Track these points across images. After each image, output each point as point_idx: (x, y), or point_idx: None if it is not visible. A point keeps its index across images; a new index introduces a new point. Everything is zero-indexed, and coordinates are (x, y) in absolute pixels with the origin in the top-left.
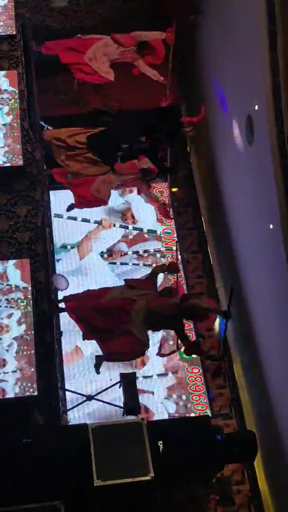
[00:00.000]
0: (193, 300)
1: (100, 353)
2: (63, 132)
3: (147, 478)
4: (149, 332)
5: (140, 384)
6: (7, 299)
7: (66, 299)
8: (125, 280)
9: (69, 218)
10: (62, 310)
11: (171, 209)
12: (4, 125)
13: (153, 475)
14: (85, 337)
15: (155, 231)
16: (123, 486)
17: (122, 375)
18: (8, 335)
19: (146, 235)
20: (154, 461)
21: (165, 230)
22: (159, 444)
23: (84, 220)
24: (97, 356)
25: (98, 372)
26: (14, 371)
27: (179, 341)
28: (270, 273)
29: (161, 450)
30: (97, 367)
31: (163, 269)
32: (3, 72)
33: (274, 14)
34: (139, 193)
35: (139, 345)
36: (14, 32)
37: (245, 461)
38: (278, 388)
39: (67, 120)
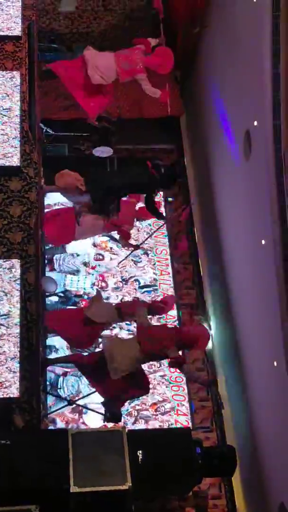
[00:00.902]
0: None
1: None
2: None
3: (124, 487)
4: None
5: None
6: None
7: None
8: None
9: None
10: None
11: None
12: (3, 124)
13: (130, 484)
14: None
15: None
16: (100, 494)
17: None
18: None
19: None
20: (132, 471)
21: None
22: (138, 453)
23: None
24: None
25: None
26: None
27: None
28: (259, 289)
29: (140, 460)
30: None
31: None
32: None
33: (278, 30)
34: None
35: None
36: (20, 34)
37: (223, 476)
38: (259, 404)
39: (67, 124)
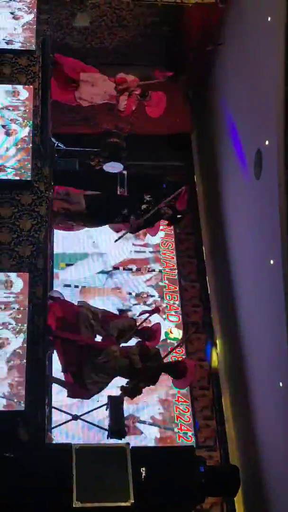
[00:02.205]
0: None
1: None
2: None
3: (127, 504)
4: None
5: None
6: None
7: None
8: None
9: None
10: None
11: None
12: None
13: (133, 501)
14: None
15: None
16: (102, 510)
17: (110, 398)
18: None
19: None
20: (135, 487)
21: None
22: (141, 470)
23: None
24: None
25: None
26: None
27: None
28: (266, 309)
29: (143, 477)
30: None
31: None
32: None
33: None
34: None
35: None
36: (34, 48)
37: (226, 495)
38: (263, 424)
39: (78, 139)
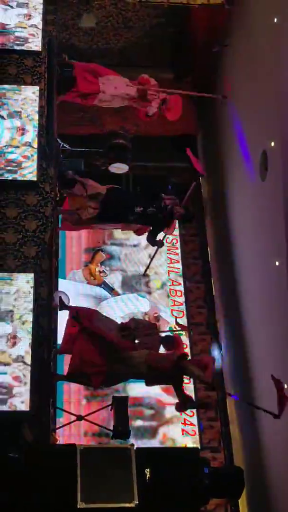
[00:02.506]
0: (189, 365)
1: None
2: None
3: (131, 505)
4: None
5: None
6: None
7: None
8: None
9: None
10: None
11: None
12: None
13: (137, 502)
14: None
15: None
16: (106, 511)
17: (114, 398)
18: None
19: None
20: (140, 488)
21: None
22: (146, 471)
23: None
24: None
25: None
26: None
27: None
28: (272, 310)
29: (147, 478)
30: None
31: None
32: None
33: None
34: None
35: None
36: (40, 49)
37: (230, 497)
38: (267, 426)
39: (83, 140)
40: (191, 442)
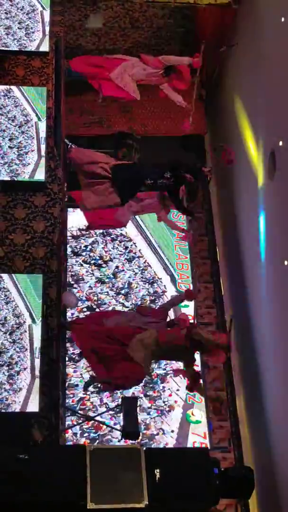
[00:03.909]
0: (200, 331)
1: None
2: (90, 156)
3: (141, 505)
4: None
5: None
6: None
7: (71, 324)
8: (137, 308)
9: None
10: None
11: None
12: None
13: (147, 503)
14: (83, 354)
15: None
16: (116, 511)
17: (124, 398)
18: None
19: None
20: (149, 489)
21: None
22: (155, 472)
23: None
24: (91, 377)
25: (85, 390)
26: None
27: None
28: (281, 310)
29: (157, 478)
30: (86, 386)
31: (181, 299)
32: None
33: None
34: (159, 220)
35: (139, 373)
36: (47, 50)
37: (240, 497)
38: (278, 425)
39: (92, 141)
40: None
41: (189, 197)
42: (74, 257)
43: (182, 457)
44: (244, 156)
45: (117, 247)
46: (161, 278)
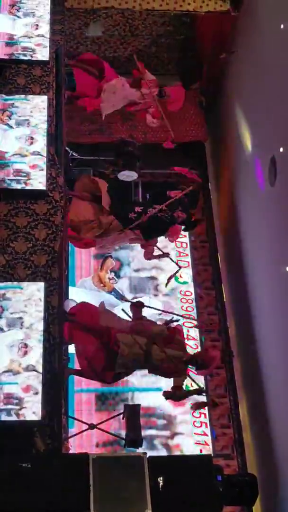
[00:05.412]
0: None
1: None
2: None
3: None
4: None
5: None
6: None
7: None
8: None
9: None
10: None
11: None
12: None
13: (150, 510)
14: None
15: None
16: None
17: (126, 406)
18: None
19: None
20: (153, 497)
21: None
22: (159, 480)
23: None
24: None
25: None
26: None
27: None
28: (283, 317)
29: (160, 486)
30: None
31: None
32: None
33: None
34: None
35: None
36: (48, 58)
37: (244, 505)
38: (281, 432)
39: (92, 148)
40: (204, 451)
41: (190, 204)
42: None
43: (185, 464)
44: (245, 162)
45: None
46: None
